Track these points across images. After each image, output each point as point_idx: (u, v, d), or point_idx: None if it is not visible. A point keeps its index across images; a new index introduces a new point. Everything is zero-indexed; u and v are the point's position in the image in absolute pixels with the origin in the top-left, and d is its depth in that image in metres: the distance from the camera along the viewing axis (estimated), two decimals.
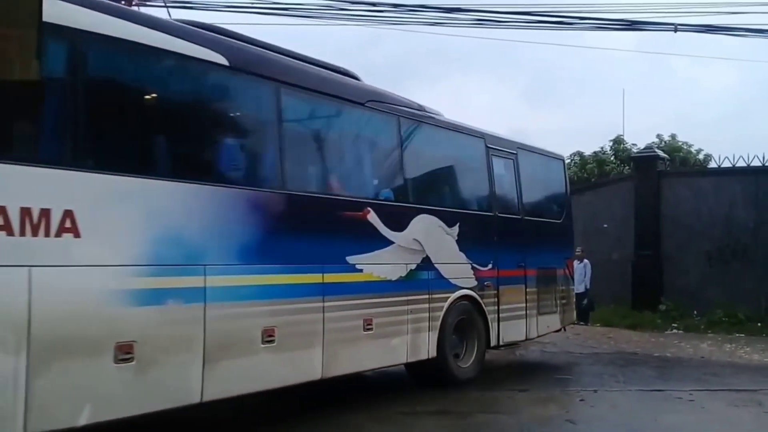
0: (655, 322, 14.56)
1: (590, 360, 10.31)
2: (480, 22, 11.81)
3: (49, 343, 4.05)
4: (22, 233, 3.95)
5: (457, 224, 7.77)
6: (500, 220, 8.61)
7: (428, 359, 7.28)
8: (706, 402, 7.33)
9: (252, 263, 5.42)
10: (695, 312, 14.63)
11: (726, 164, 15.29)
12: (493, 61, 52.94)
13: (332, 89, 6.63)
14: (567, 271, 10.18)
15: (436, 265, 7.41)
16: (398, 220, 6.99)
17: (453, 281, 7.68)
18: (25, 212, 3.97)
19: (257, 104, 6.05)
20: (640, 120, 37.69)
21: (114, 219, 4.50)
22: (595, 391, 7.88)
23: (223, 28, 6.09)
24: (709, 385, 8.28)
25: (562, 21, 11.93)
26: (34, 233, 4.01)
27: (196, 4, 11.37)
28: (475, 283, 8.02)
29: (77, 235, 4.22)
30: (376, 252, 6.68)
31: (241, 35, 6.18)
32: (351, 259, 6.36)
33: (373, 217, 6.64)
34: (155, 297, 4.66)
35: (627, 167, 21.78)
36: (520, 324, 8.84)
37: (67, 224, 4.18)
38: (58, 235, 4.13)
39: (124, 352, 4.43)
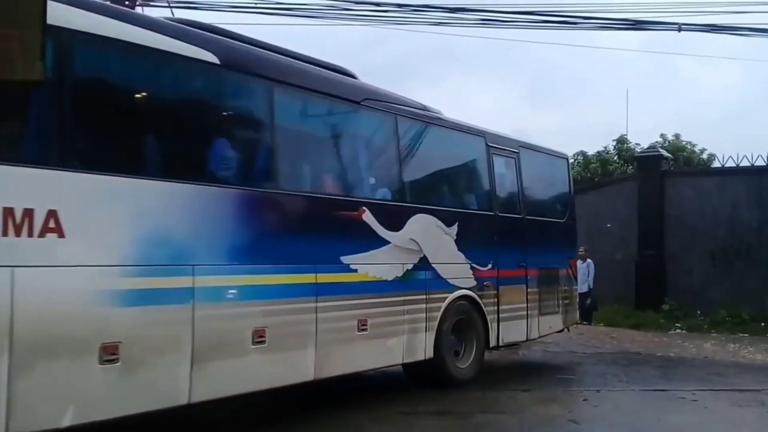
0: (659, 322, 14.54)
1: (593, 360, 10.28)
2: (484, 22, 11.81)
3: (32, 343, 4.02)
4: (5, 233, 3.93)
5: (456, 224, 7.69)
6: (501, 220, 8.52)
7: (425, 360, 7.21)
8: (709, 402, 7.29)
9: (242, 263, 5.37)
10: (699, 312, 14.58)
11: (730, 164, 15.25)
12: (497, 61, 52.89)
13: (327, 88, 6.58)
14: (570, 271, 10.06)
15: (433, 265, 7.33)
16: (394, 220, 6.91)
17: (451, 281, 7.60)
18: (8, 212, 3.95)
19: (249, 103, 6.01)
20: (644, 119, 37.62)
21: (99, 219, 4.47)
22: (598, 390, 7.86)
23: (215, 27, 6.04)
24: (712, 385, 8.25)
25: (566, 21, 11.92)
26: (17, 233, 3.98)
27: (200, 4, 11.39)
28: (475, 283, 7.94)
29: (61, 235, 4.19)
30: (372, 252, 6.61)
31: (234, 33, 6.13)
32: (345, 259, 6.30)
33: (368, 216, 6.57)
34: (142, 298, 4.61)
35: (630, 167, 21.73)
36: (521, 324, 8.75)
37: (51, 224, 4.14)
38: (41, 235, 4.10)
39: (110, 353, 4.39)
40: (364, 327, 6.41)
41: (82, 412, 4.26)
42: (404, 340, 6.94)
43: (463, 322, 7.84)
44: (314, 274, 5.97)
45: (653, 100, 41.62)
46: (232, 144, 5.70)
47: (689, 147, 24.27)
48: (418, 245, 7.15)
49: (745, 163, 14.82)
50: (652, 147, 18.66)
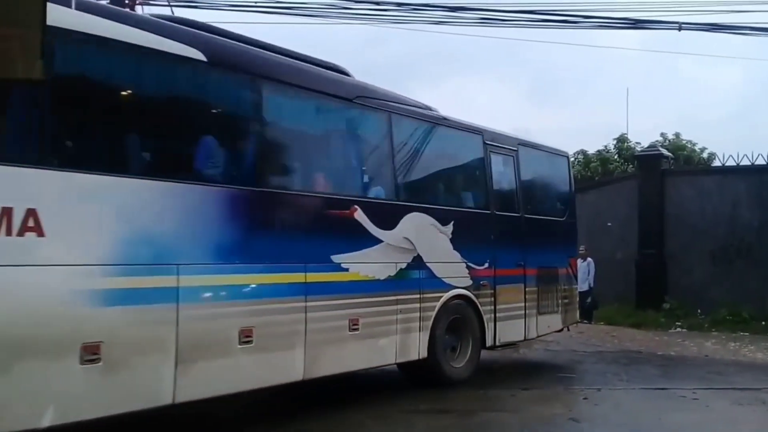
0: (659, 321, 14.55)
1: (594, 358, 10.28)
2: (484, 21, 11.81)
3: (10, 343, 4.00)
4: None
5: (452, 223, 7.62)
6: (498, 218, 8.42)
7: (419, 359, 7.17)
8: (710, 401, 7.30)
9: (228, 263, 5.33)
10: (699, 311, 14.59)
11: (730, 163, 15.24)
12: (498, 61, 52.88)
13: (317, 85, 6.51)
14: (570, 270, 9.96)
15: (428, 264, 7.28)
16: (387, 219, 6.85)
17: (446, 280, 7.54)
18: None
19: (236, 100, 5.94)
20: (644, 119, 37.68)
21: (81, 218, 4.44)
22: (599, 389, 7.87)
23: (203, 24, 5.98)
24: (713, 384, 8.26)
25: (566, 20, 11.91)
26: None
27: (201, 3, 11.39)
28: (471, 282, 7.87)
29: (41, 234, 4.16)
30: (364, 251, 6.55)
31: (223, 30, 6.07)
32: (336, 258, 6.24)
33: (360, 215, 6.52)
34: (124, 297, 4.58)
35: (631, 166, 21.75)
36: (518, 324, 8.67)
37: (30, 223, 4.11)
38: (20, 234, 4.07)
39: (91, 353, 4.36)
40: (355, 327, 6.36)
41: (63, 412, 4.24)
42: (397, 340, 6.89)
43: (459, 322, 7.79)
44: (303, 274, 5.92)
45: (654, 99, 41.71)
46: (219, 142, 5.63)
47: (689, 146, 24.31)
48: (412, 244, 7.10)
49: (745, 162, 14.82)
50: (652, 146, 18.67)
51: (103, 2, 8.42)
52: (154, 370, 4.77)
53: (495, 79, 52.11)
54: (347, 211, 6.44)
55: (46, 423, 4.14)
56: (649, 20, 12.30)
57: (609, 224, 16.54)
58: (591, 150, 25.23)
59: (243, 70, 5.80)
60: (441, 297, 7.46)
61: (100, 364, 4.41)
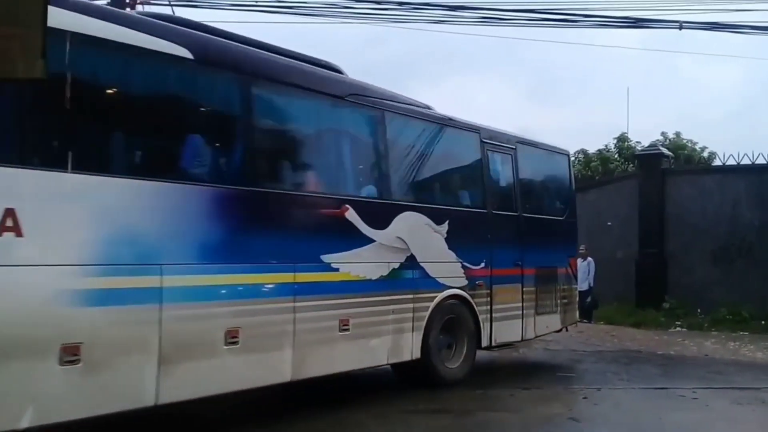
0: (659, 320, 14.55)
1: (594, 358, 10.27)
2: (484, 20, 11.81)
3: None
4: None
5: (446, 222, 7.54)
6: (495, 218, 8.33)
7: (412, 360, 7.10)
8: (710, 400, 7.30)
9: (215, 263, 5.27)
10: (699, 310, 14.58)
11: (730, 162, 15.23)
12: (497, 60, 52.86)
13: (308, 83, 6.43)
14: (570, 269, 9.85)
15: (421, 264, 7.19)
16: (380, 218, 6.78)
17: (440, 280, 7.46)
18: None
19: (224, 99, 5.87)
20: (645, 118, 37.58)
21: (61, 218, 4.39)
22: (599, 389, 7.86)
23: (190, 21, 5.92)
24: (713, 383, 8.26)
25: (566, 19, 11.91)
26: None
27: (201, 3, 11.39)
28: (466, 282, 7.78)
29: (19, 234, 4.12)
30: (355, 250, 6.48)
31: (211, 28, 6.02)
32: (327, 258, 6.17)
33: (351, 214, 6.44)
34: (105, 298, 4.53)
35: (631, 165, 21.76)
36: (515, 324, 8.58)
37: (8, 223, 4.08)
38: None
39: (71, 354, 4.32)
40: (345, 327, 6.29)
41: (42, 413, 4.19)
42: (389, 341, 6.82)
43: (454, 322, 7.71)
44: (292, 274, 5.85)
45: (654, 98, 41.67)
46: (206, 141, 5.57)
47: (690, 145, 24.33)
48: (406, 244, 7.01)
49: (746, 162, 14.81)
50: (652, 145, 18.66)
51: (102, 1, 8.42)
52: (137, 371, 4.72)
53: (495, 78, 52.14)
54: (338, 211, 6.37)
55: (24, 424, 4.11)
56: (649, 19, 12.30)
57: (609, 224, 16.54)
58: (591, 149, 25.28)
59: (231, 68, 5.74)
60: (435, 297, 7.37)
61: (80, 365, 4.36)
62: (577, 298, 10.56)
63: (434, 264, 7.39)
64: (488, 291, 8.12)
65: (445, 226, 7.54)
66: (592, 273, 14.72)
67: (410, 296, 7.07)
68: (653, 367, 9.55)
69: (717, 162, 19.15)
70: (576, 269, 10.51)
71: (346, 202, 6.47)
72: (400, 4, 11.41)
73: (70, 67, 4.57)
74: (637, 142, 23.74)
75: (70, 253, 4.43)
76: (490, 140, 8.51)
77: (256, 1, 11.26)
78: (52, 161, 4.45)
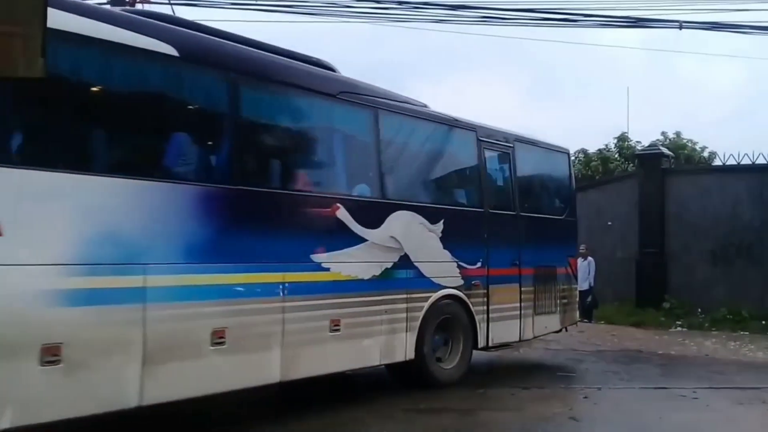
0: (659, 320, 14.55)
1: (594, 358, 10.27)
2: (485, 20, 11.79)
3: None
4: None
5: (442, 221, 7.44)
6: (492, 217, 8.21)
7: (406, 361, 7.01)
8: (710, 400, 7.30)
9: (200, 262, 5.20)
10: (699, 310, 14.58)
11: (731, 162, 15.22)
12: (498, 59, 52.86)
13: (297, 80, 6.35)
14: (569, 269, 9.73)
15: (415, 264, 7.10)
16: (373, 217, 6.70)
17: (435, 280, 7.36)
18: None
19: (210, 96, 5.78)
20: (645, 118, 37.60)
21: (41, 217, 4.35)
22: (599, 388, 7.87)
23: (176, 18, 5.87)
24: (713, 383, 8.26)
25: (567, 18, 11.89)
26: None
27: (201, 2, 11.38)
28: (462, 282, 7.68)
29: None
30: (347, 250, 6.40)
31: (197, 24, 5.96)
32: (317, 258, 6.10)
33: (343, 213, 6.36)
34: (86, 298, 4.48)
35: (631, 165, 21.75)
36: (513, 324, 8.47)
37: None
38: None
39: (51, 354, 4.27)
40: (336, 327, 6.21)
41: (21, 413, 4.16)
42: (382, 341, 6.73)
43: (449, 322, 7.63)
44: (281, 273, 5.78)
45: (654, 98, 41.63)
46: (191, 139, 5.50)
47: (690, 145, 24.33)
48: (399, 243, 6.93)
49: (746, 162, 14.81)
50: (653, 145, 18.66)
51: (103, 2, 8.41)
52: (119, 372, 4.67)
53: (495, 77, 52.11)
54: (329, 210, 6.30)
55: (4, 425, 4.07)
56: (649, 19, 12.28)
57: (609, 223, 16.54)
58: (592, 149, 25.23)
59: (217, 65, 5.66)
60: (429, 297, 7.29)
61: (61, 365, 4.32)
62: (578, 298, 10.46)
63: (429, 264, 7.30)
64: (485, 291, 8.03)
65: (440, 226, 7.45)
66: (593, 273, 14.71)
67: (404, 296, 6.99)
68: (653, 367, 9.56)
69: (717, 162, 19.15)
70: (576, 269, 10.40)
71: (337, 201, 6.39)
72: (401, 3, 11.39)
73: (52, 64, 4.49)
74: (637, 141, 23.76)
75: (51, 252, 4.38)
76: (488, 138, 8.42)
77: (256, 1, 11.26)
78: (33, 159, 4.40)
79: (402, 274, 6.99)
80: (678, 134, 24.51)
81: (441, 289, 7.43)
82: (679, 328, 14.01)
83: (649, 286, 15.28)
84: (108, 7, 5.85)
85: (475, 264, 7.90)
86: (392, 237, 6.89)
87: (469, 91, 46.47)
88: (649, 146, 18.74)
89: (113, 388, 4.65)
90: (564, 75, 49.97)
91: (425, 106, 7.97)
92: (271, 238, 5.81)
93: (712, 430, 6.38)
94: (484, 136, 8.35)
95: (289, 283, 5.83)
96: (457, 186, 8.44)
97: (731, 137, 34.07)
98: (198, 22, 6.06)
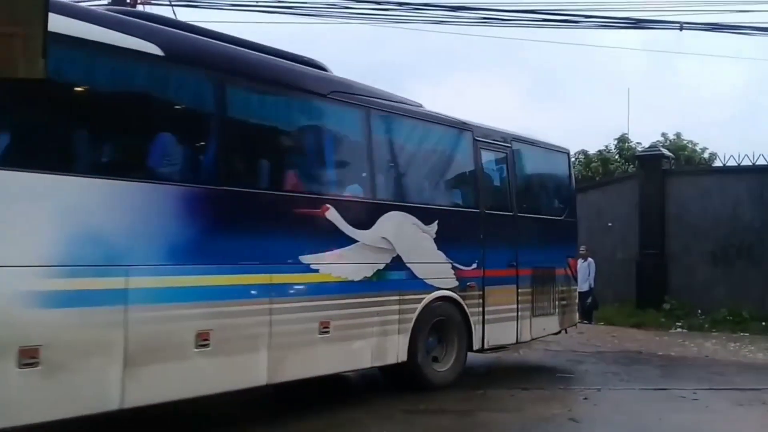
0: (659, 321, 14.54)
1: (594, 359, 10.25)
2: (485, 21, 11.81)
3: None
4: None
5: (436, 222, 7.35)
6: (488, 217, 8.11)
7: (398, 363, 6.91)
8: (710, 401, 7.29)
9: (184, 264, 5.13)
10: (699, 311, 14.57)
11: (731, 163, 15.22)
12: (498, 61, 52.88)
13: (286, 79, 6.30)
14: (569, 270, 9.62)
15: (408, 265, 7.01)
16: (364, 218, 6.62)
17: (429, 282, 7.26)
18: None
19: (196, 96, 5.72)
20: (645, 119, 37.63)
21: (20, 218, 4.30)
22: (599, 389, 7.86)
23: (162, 17, 5.81)
24: (713, 384, 8.25)
25: (567, 19, 11.91)
26: None
27: (201, 3, 11.40)
28: (456, 283, 7.59)
29: None
30: (337, 251, 6.32)
31: (184, 23, 5.91)
32: (305, 259, 6.02)
33: (332, 214, 6.28)
34: (65, 299, 4.42)
35: (632, 166, 21.76)
36: (510, 326, 8.37)
37: None
38: None
39: (29, 357, 4.22)
40: (326, 329, 6.13)
41: None
42: (373, 343, 6.64)
43: (444, 324, 7.54)
44: (268, 275, 5.71)
45: (655, 99, 41.62)
46: (176, 139, 5.43)
47: (690, 146, 24.36)
48: (391, 244, 6.84)
49: (746, 163, 14.81)
50: (653, 146, 18.68)
51: (103, 2, 8.41)
52: (100, 374, 4.61)
53: (496, 79, 52.11)
54: (318, 210, 6.22)
55: None
56: (650, 20, 12.30)
57: (610, 224, 16.54)
58: (592, 150, 25.27)
59: (203, 65, 5.61)
60: (423, 299, 7.20)
61: (39, 368, 4.27)
62: (577, 300, 10.37)
63: (422, 265, 7.21)
64: (480, 292, 7.93)
65: (434, 226, 7.36)
66: (593, 274, 14.71)
67: (396, 298, 6.91)
68: (653, 368, 9.55)
69: (717, 163, 19.17)
70: (576, 270, 10.32)
71: (327, 202, 6.32)
72: (400, 4, 11.41)
73: None
74: (637, 142, 23.79)
75: (29, 254, 4.33)
76: (484, 138, 8.32)
77: (256, 1, 11.27)
78: (13, 160, 4.35)
79: (394, 276, 6.90)
80: (678, 135, 24.55)
81: (435, 291, 7.35)
82: (679, 329, 14.00)
83: (650, 287, 15.28)
84: (91, 6, 5.74)
85: (470, 265, 7.81)
86: (384, 238, 6.81)
87: (470, 93, 46.52)
88: (649, 147, 18.76)
89: (94, 390, 4.59)
90: (564, 76, 49.98)
91: (420, 106, 7.91)
92: (258, 239, 5.73)
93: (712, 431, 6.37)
94: (480, 136, 8.26)
95: (276, 284, 5.77)
96: (452, 186, 8.30)
97: (731, 138, 34.12)
98: (186, 21, 6.02)
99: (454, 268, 7.60)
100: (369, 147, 6.95)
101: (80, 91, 4.92)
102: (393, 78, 46.20)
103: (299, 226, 6.13)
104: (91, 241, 4.61)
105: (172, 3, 11.12)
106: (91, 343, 4.57)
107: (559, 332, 9.70)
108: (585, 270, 14.34)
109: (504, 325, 8.30)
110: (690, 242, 15.15)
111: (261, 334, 5.63)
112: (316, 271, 6.13)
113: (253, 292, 5.63)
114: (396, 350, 6.89)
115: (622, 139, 24.63)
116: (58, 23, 4.42)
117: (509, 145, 8.72)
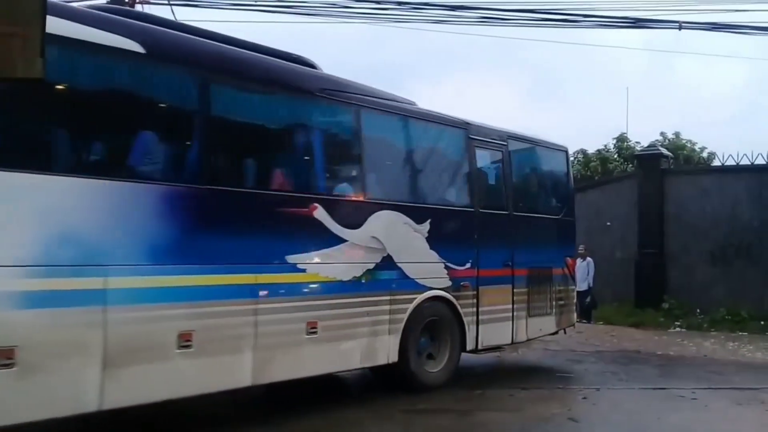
0: (658, 321, 14.54)
1: (593, 358, 10.25)
2: (484, 20, 11.79)
3: None
4: None
5: (428, 221, 7.27)
6: (482, 216, 8.02)
7: (389, 364, 6.84)
8: (709, 400, 7.30)
9: (165, 263, 5.08)
10: (698, 310, 14.57)
11: (730, 162, 15.21)
12: (497, 60, 52.88)
13: (272, 77, 6.24)
14: (566, 270, 9.50)
15: (399, 265, 6.94)
16: (353, 217, 6.57)
17: (421, 282, 7.19)
18: None
19: (179, 93, 5.66)
20: (644, 118, 37.65)
21: None
22: (598, 389, 7.86)
23: (144, 14, 5.74)
24: (712, 384, 8.25)
25: (566, 19, 11.89)
26: None
27: (201, 2, 11.38)
28: (449, 283, 7.51)
29: None
30: (325, 251, 6.25)
31: (168, 21, 5.85)
32: (292, 259, 5.96)
33: (320, 213, 6.22)
34: (42, 300, 4.38)
35: (631, 165, 21.76)
36: (505, 327, 8.26)
37: None
38: None
39: (5, 358, 4.19)
40: (313, 330, 6.05)
41: None
42: (363, 344, 6.58)
43: (436, 324, 7.46)
44: (253, 275, 5.65)
45: (654, 98, 41.66)
46: (158, 138, 5.37)
47: (689, 145, 24.37)
48: (381, 243, 6.77)
49: (745, 162, 14.79)
50: (652, 145, 18.67)
51: (101, 1, 8.37)
52: (78, 376, 4.56)
53: (496, 78, 52.13)
54: (305, 210, 6.15)
55: None
56: (649, 19, 12.27)
57: (608, 224, 16.54)
58: (591, 149, 25.29)
59: (186, 62, 5.56)
60: (414, 299, 7.12)
61: (15, 369, 4.23)
62: (575, 300, 10.25)
63: (414, 264, 7.14)
64: (474, 292, 7.84)
65: (426, 226, 7.29)
66: (592, 273, 14.72)
67: (387, 298, 6.84)
68: (652, 368, 9.55)
69: (716, 162, 19.17)
70: (574, 270, 10.24)
71: (315, 201, 6.25)
72: (400, 4, 11.38)
73: None
74: (636, 142, 23.80)
75: (5, 254, 4.28)
76: (479, 136, 8.24)
77: (256, 1, 11.25)
78: None
79: (385, 275, 6.83)
80: (677, 135, 24.55)
81: (427, 291, 7.28)
82: (678, 329, 14.00)
83: (648, 287, 15.28)
84: (70, 4, 5.67)
85: (464, 265, 7.73)
86: (374, 237, 6.75)
87: (470, 92, 46.53)
88: (648, 147, 18.76)
89: (71, 391, 4.54)
90: (563, 76, 50.03)
91: (413, 103, 7.83)
92: (243, 239, 5.67)
93: (710, 431, 6.37)
94: (474, 134, 8.18)
95: (261, 284, 5.71)
96: (445, 185, 8.16)
97: (730, 138, 34.15)
98: (170, 19, 5.97)
99: (447, 267, 7.54)
100: (358, 145, 6.91)
101: (59, 89, 4.84)
102: (393, 78, 46.23)
103: (286, 225, 6.05)
104: (68, 241, 4.57)
105: (171, 2, 11.10)
106: (68, 343, 4.52)
107: (556, 333, 9.60)
108: (584, 269, 14.36)
109: (499, 325, 8.22)
110: (689, 242, 15.15)
111: (245, 335, 5.57)
112: (304, 270, 6.07)
113: (237, 292, 5.55)
114: (386, 351, 6.82)
115: (621, 139, 24.65)
116: None
117: (505, 143, 8.63)
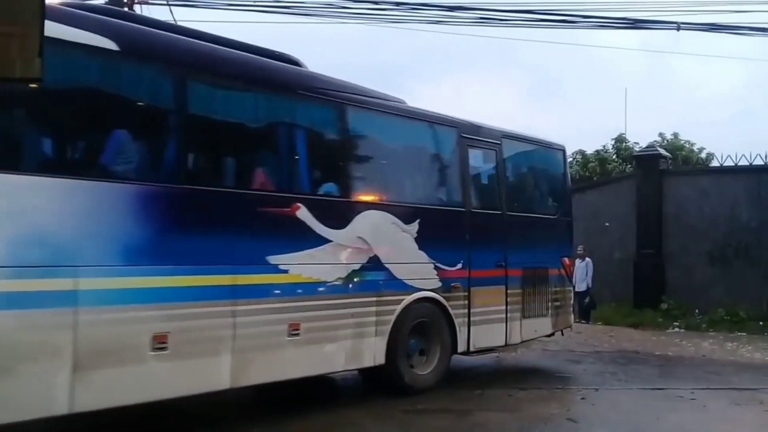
0: (657, 321, 14.54)
1: (591, 358, 10.25)
2: (482, 21, 11.81)
3: None
4: None
5: (417, 221, 7.13)
6: (474, 216, 7.88)
7: (376, 366, 6.73)
8: (707, 401, 7.30)
9: (138, 264, 5.00)
10: (697, 311, 14.59)
11: (728, 163, 15.22)
12: (495, 61, 52.91)
13: (253, 74, 6.15)
14: (563, 270, 9.31)
15: (386, 266, 6.83)
16: (338, 217, 6.45)
17: (409, 282, 7.06)
18: None
19: (155, 92, 5.55)
20: (643, 119, 37.69)
21: None
22: (596, 389, 7.85)
23: (120, 11, 5.66)
24: (710, 384, 8.24)
25: (564, 19, 11.91)
26: None
27: (199, 3, 11.38)
28: (439, 284, 7.37)
29: None
30: (308, 251, 6.13)
31: (143, 17, 5.80)
32: (273, 259, 5.85)
33: (303, 213, 6.09)
34: (9, 301, 4.31)
35: (629, 166, 21.77)
36: (498, 328, 8.10)
37: None
38: None
39: None
40: (295, 332, 5.95)
41: None
42: (348, 346, 6.45)
43: (426, 326, 7.32)
44: (231, 276, 5.54)
45: (652, 99, 41.70)
46: (131, 137, 5.28)
47: (688, 146, 24.38)
48: (368, 244, 6.67)
49: (743, 163, 14.80)
50: (650, 146, 18.69)
51: (101, 1, 8.37)
52: (47, 378, 4.49)
53: (494, 79, 52.15)
54: (287, 209, 6.03)
55: None
56: (647, 20, 12.30)
57: (607, 224, 16.55)
58: (589, 150, 25.29)
59: (162, 60, 5.50)
60: (402, 300, 6.99)
61: None
62: (572, 301, 10.09)
63: (402, 265, 7.02)
64: (465, 293, 7.70)
65: (415, 226, 7.15)
66: (590, 273, 14.74)
67: (373, 299, 6.72)
68: (651, 368, 9.54)
69: (715, 163, 19.18)
70: (571, 270, 10.10)
71: (297, 200, 6.13)
72: (398, 4, 11.40)
73: None
74: (635, 143, 23.81)
75: None
76: (471, 135, 8.10)
77: (254, 1, 11.26)
78: None
79: (371, 276, 6.72)
80: (676, 135, 24.56)
81: (416, 292, 7.16)
82: (676, 329, 14.01)
83: (647, 287, 15.29)
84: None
85: (454, 265, 7.59)
86: (360, 237, 6.64)
87: (468, 93, 46.55)
88: (646, 147, 18.78)
89: (40, 394, 4.47)
90: (562, 76, 50.10)
91: (402, 102, 7.73)
92: (221, 239, 5.58)
93: (709, 431, 6.37)
94: (466, 133, 8.05)
95: (240, 285, 5.61)
96: (435, 184, 8.06)
97: (729, 138, 34.14)
98: (147, 16, 5.85)
99: (436, 268, 7.41)
100: (343, 144, 6.84)
101: (29, 87, 4.68)
102: (391, 78, 46.26)
103: (267, 225, 5.95)
104: (37, 242, 4.51)
105: (170, 3, 11.11)
106: (37, 345, 4.46)
107: (552, 334, 9.44)
108: (583, 270, 14.38)
109: (491, 326, 8.07)
110: (687, 242, 15.15)
111: (223, 337, 5.47)
112: (286, 271, 5.97)
113: (214, 293, 5.45)
114: (372, 353, 6.70)
115: (620, 139, 24.67)
116: None
117: (499, 142, 8.48)
